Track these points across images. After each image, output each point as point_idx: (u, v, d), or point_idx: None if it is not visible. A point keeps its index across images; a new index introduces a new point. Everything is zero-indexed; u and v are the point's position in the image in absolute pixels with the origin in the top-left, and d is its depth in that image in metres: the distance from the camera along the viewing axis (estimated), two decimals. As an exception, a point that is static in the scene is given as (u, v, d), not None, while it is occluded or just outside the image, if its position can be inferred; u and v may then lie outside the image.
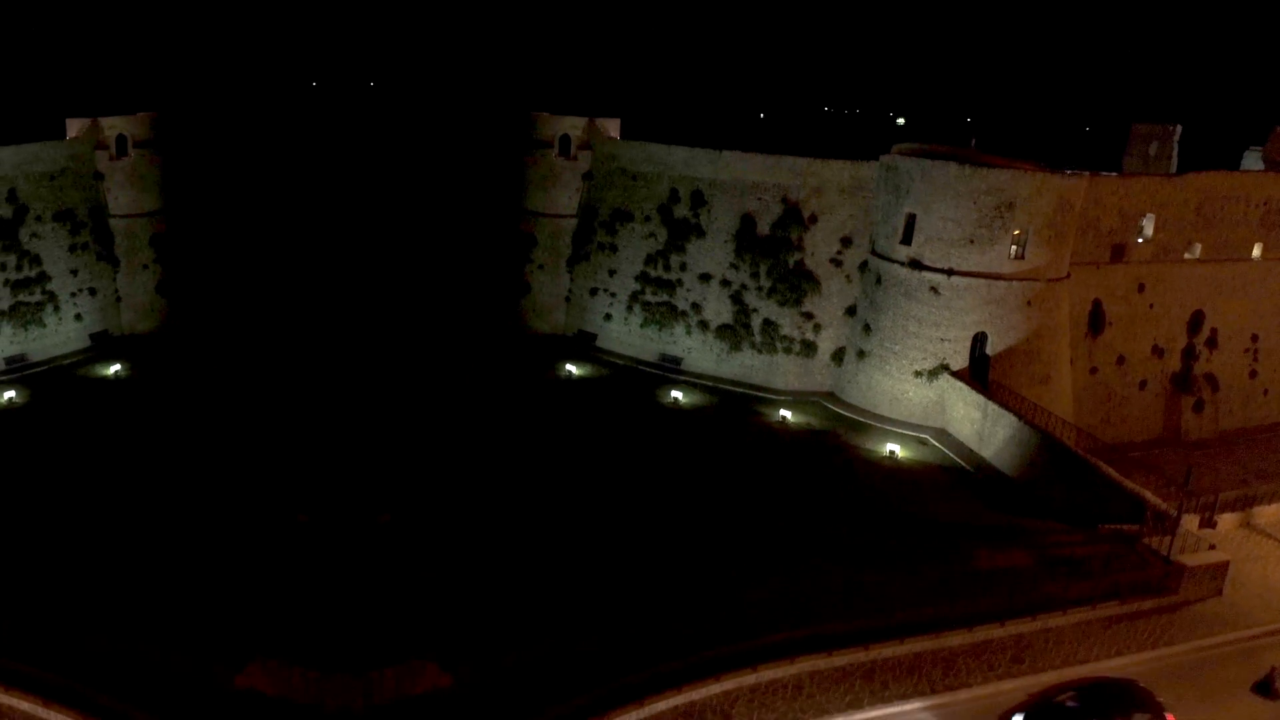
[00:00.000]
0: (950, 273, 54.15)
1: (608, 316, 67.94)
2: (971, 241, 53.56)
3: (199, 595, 33.03)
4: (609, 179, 67.63)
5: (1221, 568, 35.49)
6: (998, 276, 53.84)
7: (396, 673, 29.98)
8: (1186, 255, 64.40)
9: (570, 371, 62.65)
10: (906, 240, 55.61)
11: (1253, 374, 68.03)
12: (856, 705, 28.72)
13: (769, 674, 29.37)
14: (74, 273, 62.20)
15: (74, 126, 63.28)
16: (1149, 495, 39.87)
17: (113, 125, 63.99)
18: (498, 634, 31.16)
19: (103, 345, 63.03)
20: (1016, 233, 53.10)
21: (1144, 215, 61.82)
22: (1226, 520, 40.04)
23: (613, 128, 68.80)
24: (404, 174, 77.51)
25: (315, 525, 39.01)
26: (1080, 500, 43.42)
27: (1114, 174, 64.10)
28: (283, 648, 29.88)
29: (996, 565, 37.43)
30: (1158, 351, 64.10)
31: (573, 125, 68.34)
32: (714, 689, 28.64)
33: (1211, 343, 65.84)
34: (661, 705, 27.87)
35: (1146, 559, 37.11)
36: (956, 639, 31.78)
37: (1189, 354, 65.21)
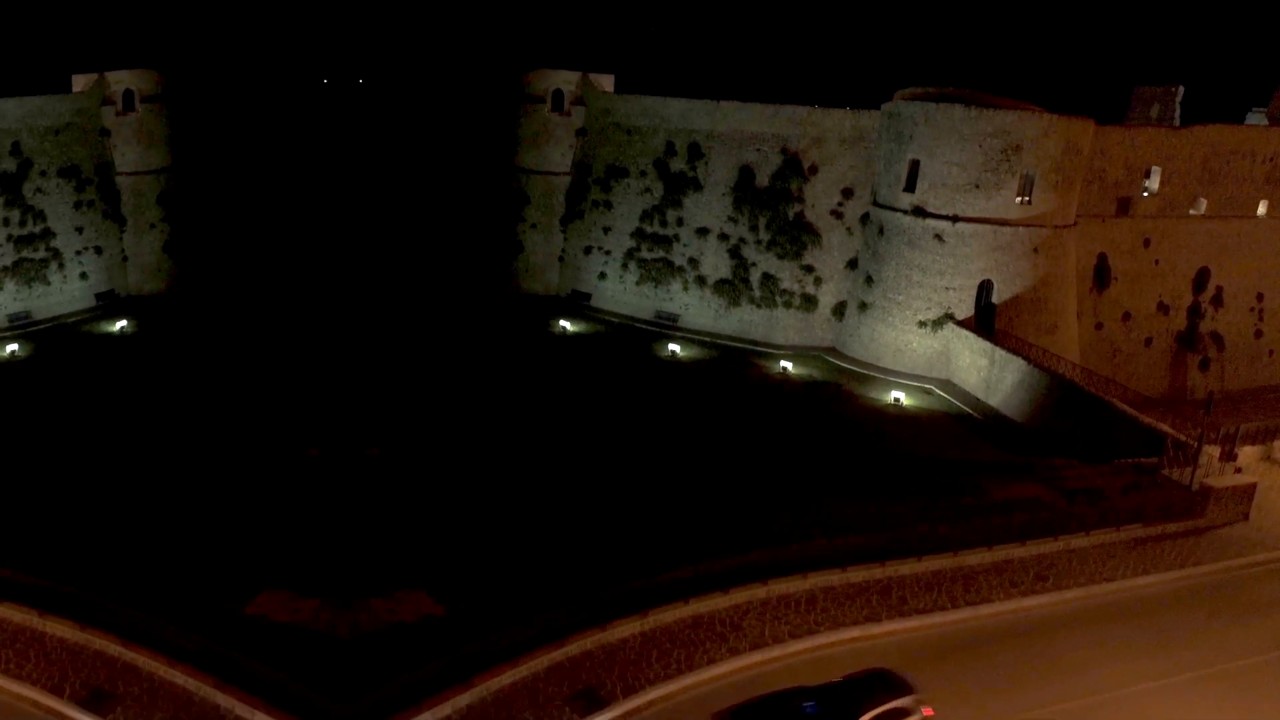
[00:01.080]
0: (955, 219, 52.73)
1: (602, 275, 66.24)
2: (977, 186, 52.17)
3: (212, 526, 31.41)
4: (603, 134, 65.99)
5: (1248, 490, 34.05)
6: (1004, 222, 52.46)
7: (387, 602, 28.44)
8: (1192, 211, 63.27)
9: (564, 328, 60.96)
10: (910, 188, 54.17)
11: (1258, 334, 66.91)
12: (874, 619, 27.08)
13: (780, 588, 27.67)
14: (79, 230, 60.24)
15: (80, 82, 61.17)
16: (1167, 427, 38.43)
17: (120, 80, 61.95)
18: (495, 563, 29.34)
19: (108, 305, 61.03)
20: (1023, 176, 51.78)
21: (1150, 168, 60.68)
22: (1248, 454, 38.60)
23: (606, 83, 67.20)
24: (395, 131, 75.58)
25: (326, 459, 38.05)
26: (1094, 439, 41.94)
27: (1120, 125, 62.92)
28: (290, 575, 28.27)
29: (1012, 496, 35.87)
30: (1163, 308, 62.90)
31: (566, 80, 66.70)
32: (721, 602, 26.92)
33: (1217, 301, 64.69)
34: (666, 617, 26.13)
35: (1167, 489, 35.63)
36: (976, 557, 30.19)
37: (1194, 312, 64.03)
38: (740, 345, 59.33)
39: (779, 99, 60.11)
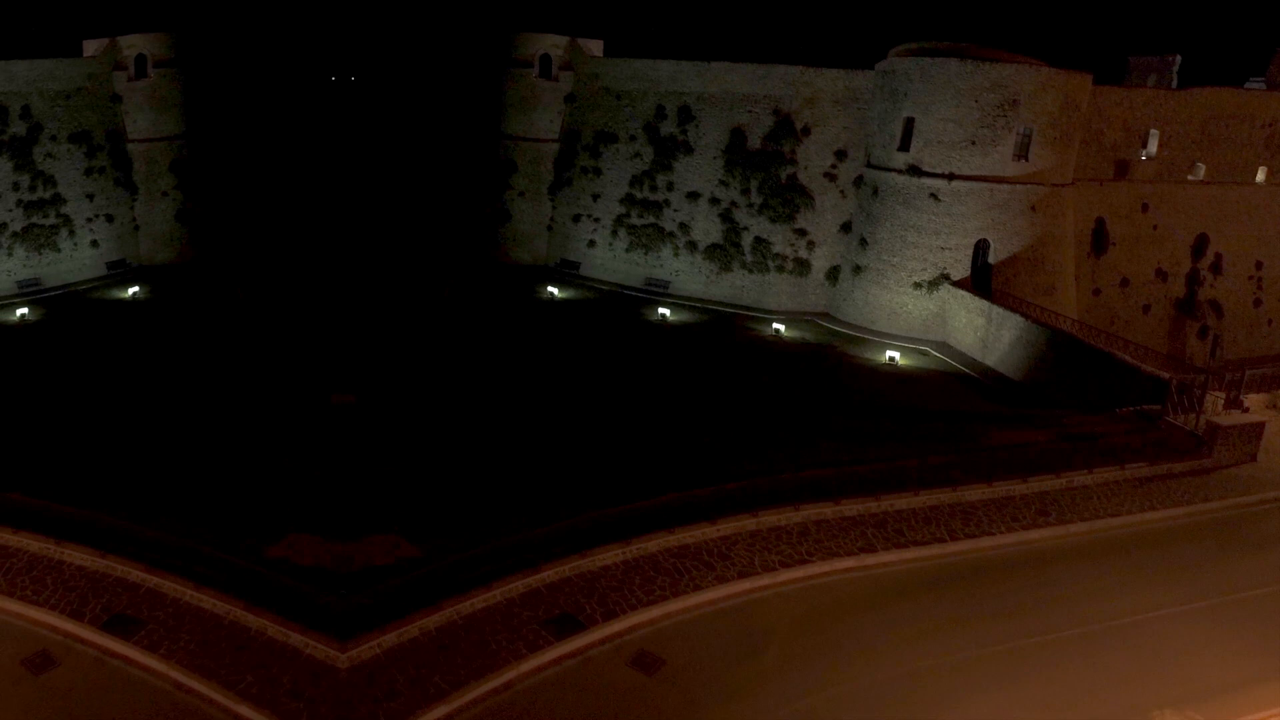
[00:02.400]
0: (951, 177, 51.56)
1: (591, 243, 64.91)
2: (973, 143, 51.00)
3: (234, 470, 30.13)
4: (592, 100, 64.69)
5: (1256, 429, 32.87)
6: (1000, 180, 51.31)
7: (362, 545, 27.16)
8: (1190, 176, 62.27)
9: (552, 293, 59.69)
10: (904, 146, 52.98)
11: (1257, 302, 65.92)
12: (870, 550, 25.80)
13: (771, 519, 26.37)
14: (90, 197, 58.74)
15: (91, 46, 59.64)
16: (1169, 374, 37.24)
17: (132, 44, 60.38)
18: (475, 508, 27.91)
19: (120, 274, 59.68)
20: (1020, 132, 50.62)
21: (1148, 131, 59.64)
22: (1253, 400, 37.31)
23: (595, 48, 65.85)
24: (384, 99, 74.20)
25: (350, 406, 37.31)
26: (1096, 392, 40.75)
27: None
28: (283, 518, 26.86)
29: (1011, 441, 34.62)
30: (1161, 275, 61.84)
31: (554, 44, 65.37)
32: (709, 532, 25.61)
33: (1215, 268, 63.67)
34: (650, 545, 24.81)
35: (1171, 434, 34.43)
36: (975, 493, 28.95)
37: (1193, 279, 62.98)
38: (732, 310, 58.09)
39: (771, 59, 58.87)
